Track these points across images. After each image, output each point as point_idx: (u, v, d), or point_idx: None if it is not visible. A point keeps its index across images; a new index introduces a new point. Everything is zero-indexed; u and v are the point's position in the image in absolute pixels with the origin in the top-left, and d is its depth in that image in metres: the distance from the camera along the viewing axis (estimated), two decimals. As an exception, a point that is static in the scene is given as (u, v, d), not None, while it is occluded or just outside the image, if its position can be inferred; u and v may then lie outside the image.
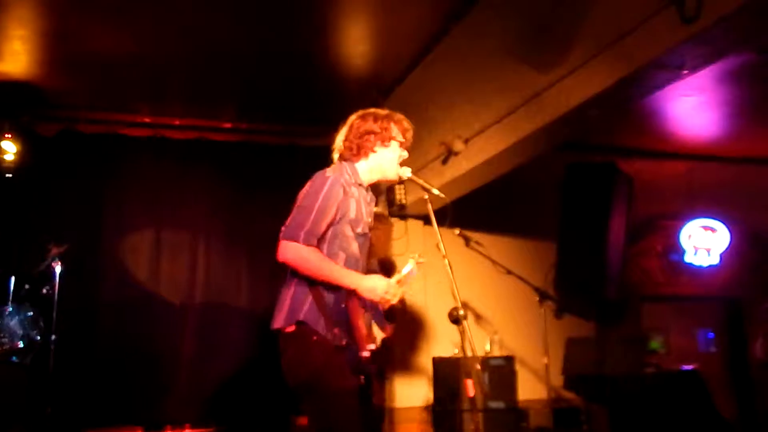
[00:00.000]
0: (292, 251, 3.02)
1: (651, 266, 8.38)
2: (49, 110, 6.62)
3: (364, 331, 3.12)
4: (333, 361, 3.00)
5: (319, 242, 3.13)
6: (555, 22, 4.42)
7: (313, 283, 3.07)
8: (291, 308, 3.10)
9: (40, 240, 5.72)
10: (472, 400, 3.34)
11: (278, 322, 3.12)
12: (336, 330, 3.01)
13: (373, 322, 3.21)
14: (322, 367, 2.99)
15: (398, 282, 3.22)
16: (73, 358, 5.86)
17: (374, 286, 3.09)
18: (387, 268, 3.55)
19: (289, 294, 3.13)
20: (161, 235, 6.73)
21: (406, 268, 3.39)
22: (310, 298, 3.07)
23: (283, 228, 3.07)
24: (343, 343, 3.01)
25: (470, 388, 3.20)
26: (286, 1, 4.97)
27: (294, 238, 3.02)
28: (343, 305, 3.05)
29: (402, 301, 3.58)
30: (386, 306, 3.20)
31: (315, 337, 3.01)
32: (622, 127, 7.10)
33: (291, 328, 3.08)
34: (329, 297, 3.07)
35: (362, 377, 3.12)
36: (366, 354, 3.07)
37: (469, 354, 3.22)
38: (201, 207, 6.85)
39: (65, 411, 5.64)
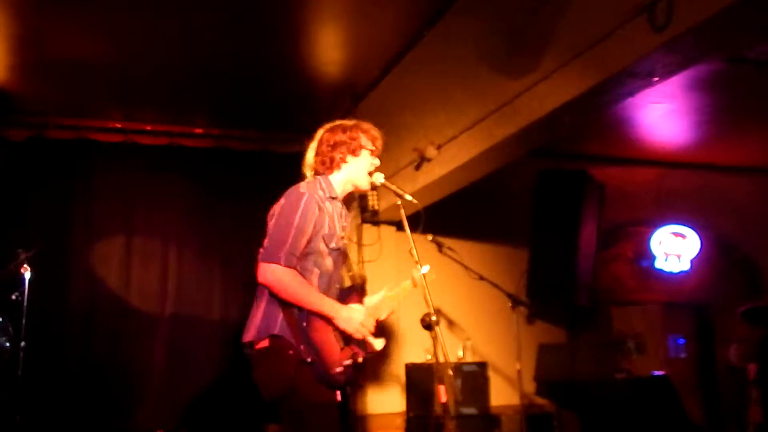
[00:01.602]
0: (272, 274, 3.00)
1: (622, 272, 8.43)
2: (17, 116, 6.52)
3: (335, 347, 3.09)
4: (306, 374, 2.97)
5: (297, 263, 3.10)
6: (528, 29, 4.44)
7: (283, 301, 3.05)
8: (263, 322, 3.07)
9: (9, 246, 5.60)
10: (445, 405, 3.29)
11: (250, 335, 3.09)
12: (302, 347, 2.98)
13: (351, 339, 3.18)
14: (298, 382, 2.96)
15: (375, 306, 3.30)
16: (42, 365, 5.78)
17: (350, 317, 3.10)
18: (358, 288, 3.53)
19: (261, 307, 3.11)
20: (132, 242, 6.66)
21: (378, 295, 3.46)
22: (281, 314, 3.04)
23: (261, 249, 3.05)
24: (309, 359, 2.97)
25: (443, 394, 3.17)
26: (260, 7, 4.93)
27: (274, 260, 3.00)
28: (305, 324, 3.00)
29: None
30: (360, 337, 3.17)
31: (291, 351, 2.97)
32: (594, 135, 7.17)
33: (264, 343, 3.05)
34: (297, 313, 3.03)
35: (338, 393, 3.11)
36: (338, 370, 3.04)
37: (442, 360, 3.21)
38: (173, 214, 6.79)
39: (35, 419, 5.55)
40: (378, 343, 3.26)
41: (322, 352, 3.02)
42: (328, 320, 3.07)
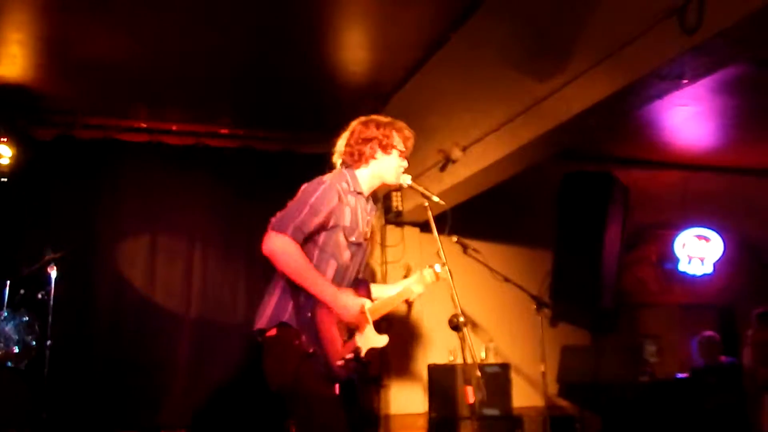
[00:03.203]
0: (279, 243, 3.00)
1: (645, 275, 8.39)
2: (45, 115, 6.60)
3: (337, 340, 3.09)
4: (308, 365, 2.98)
5: (312, 248, 3.14)
6: (555, 31, 4.43)
7: (296, 289, 3.06)
8: (274, 310, 3.10)
9: (35, 245, 5.68)
10: (472, 407, 3.28)
11: (262, 322, 3.12)
12: (304, 337, 2.99)
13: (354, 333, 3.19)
14: (301, 372, 2.97)
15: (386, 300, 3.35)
16: (68, 363, 5.82)
17: (346, 306, 3.08)
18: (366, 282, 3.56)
19: (275, 296, 3.14)
20: (157, 242, 6.70)
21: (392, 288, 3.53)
22: (291, 303, 3.07)
23: (272, 219, 3.06)
24: (310, 350, 2.98)
25: (470, 395, 3.16)
26: (285, 7, 4.96)
27: (283, 230, 3.00)
28: (309, 314, 3.01)
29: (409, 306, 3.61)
30: (357, 326, 3.17)
31: (296, 341, 2.99)
32: (619, 137, 7.13)
33: (273, 331, 3.08)
34: (304, 304, 3.05)
35: (336, 386, 3.09)
36: (339, 363, 3.04)
37: (470, 361, 3.19)
38: (198, 213, 6.82)
39: (61, 416, 5.60)
40: (380, 340, 3.25)
41: (324, 344, 3.03)
42: (325, 304, 3.05)
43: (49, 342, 5.38)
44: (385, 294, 3.48)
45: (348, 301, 3.10)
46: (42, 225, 6.30)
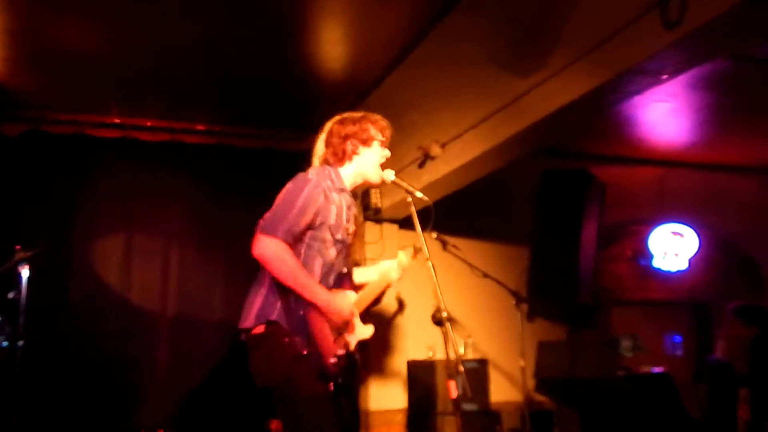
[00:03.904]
0: (270, 247, 3.00)
1: (621, 271, 8.47)
2: (12, 110, 6.47)
3: (330, 337, 3.11)
4: (301, 366, 2.99)
5: (298, 246, 3.15)
6: (535, 26, 4.44)
7: (284, 288, 3.06)
8: (261, 309, 3.10)
9: (5, 244, 5.56)
10: (455, 401, 3.30)
11: (248, 321, 3.12)
12: (297, 338, 3.00)
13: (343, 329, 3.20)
14: (292, 371, 2.99)
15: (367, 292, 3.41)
16: (42, 365, 5.76)
17: (339, 310, 3.13)
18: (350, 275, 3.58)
19: (261, 294, 3.14)
20: (133, 240, 6.61)
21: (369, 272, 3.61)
22: (279, 303, 3.07)
23: (260, 221, 3.07)
24: (304, 351, 3.00)
25: (453, 389, 3.19)
26: (262, 4, 4.92)
27: (273, 233, 3.01)
28: (301, 313, 3.03)
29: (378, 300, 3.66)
30: (347, 327, 3.21)
31: (286, 339, 3.00)
32: (596, 134, 7.19)
33: (260, 329, 3.08)
34: (295, 304, 3.06)
35: (330, 384, 3.12)
36: (332, 360, 3.07)
37: (452, 356, 3.22)
38: (174, 211, 6.76)
39: (33, 419, 5.53)
40: (366, 331, 3.31)
41: (317, 343, 3.05)
42: (314, 305, 3.07)
43: (20, 343, 5.27)
44: (366, 277, 3.56)
45: (341, 305, 3.14)
46: (12, 223, 6.18)
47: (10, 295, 5.37)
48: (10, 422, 5.04)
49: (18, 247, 5.40)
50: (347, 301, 3.20)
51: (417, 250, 3.55)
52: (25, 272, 5.38)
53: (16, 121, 6.50)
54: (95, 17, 5.11)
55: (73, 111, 6.64)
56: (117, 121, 6.75)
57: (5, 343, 5.19)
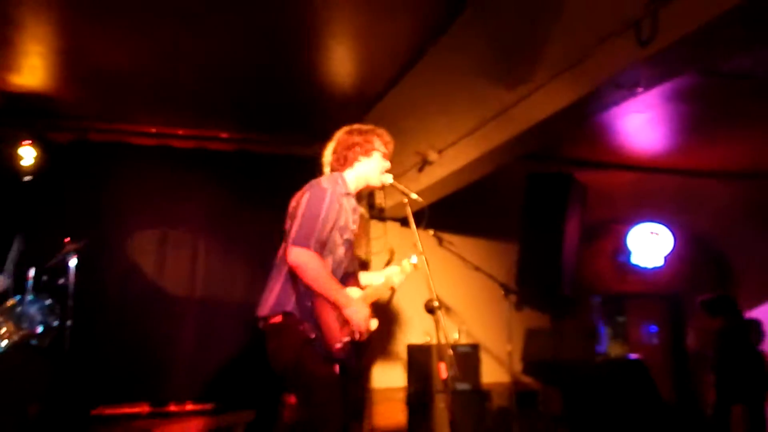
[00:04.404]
0: (304, 257, 3.02)
1: (601, 266, 8.36)
2: (63, 120, 6.48)
3: (336, 326, 3.09)
4: (310, 350, 2.99)
5: (320, 249, 3.14)
6: (523, 43, 4.37)
7: (297, 280, 3.06)
8: (279, 299, 3.08)
9: (56, 237, 5.61)
10: (445, 381, 3.29)
11: (264, 309, 3.12)
12: (307, 324, 3.00)
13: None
14: (302, 354, 2.99)
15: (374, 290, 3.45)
16: (86, 342, 5.74)
17: (358, 312, 3.12)
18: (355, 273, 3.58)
19: (277, 286, 3.12)
20: (165, 234, 6.62)
21: (377, 276, 3.61)
22: (294, 294, 3.06)
23: (292, 234, 3.07)
24: (312, 336, 2.98)
25: (443, 370, 3.19)
26: (280, 24, 4.88)
27: (305, 245, 3.03)
28: (309, 303, 3.03)
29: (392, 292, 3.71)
30: (360, 330, 3.19)
31: (300, 327, 2.99)
32: (579, 141, 7.12)
33: (277, 319, 3.06)
34: (305, 295, 3.05)
35: (336, 366, 3.11)
36: (338, 346, 3.05)
37: (443, 341, 3.21)
38: (201, 209, 6.74)
39: (79, 390, 5.54)
40: (372, 324, 3.29)
41: (324, 329, 3.04)
42: (336, 306, 3.09)
43: (69, 323, 5.34)
44: (372, 281, 3.55)
45: (359, 307, 3.14)
46: (61, 219, 6.20)
47: (60, 282, 5.47)
48: (60, 391, 5.06)
49: (67, 240, 5.52)
50: (364, 308, 3.19)
51: (416, 266, 3.59)
52: (72, 262, 5.50)
53: (65, 130, 6.50)
54: (133, 39, 5.13)
55: (114, 121, 6.63)
56: (152, 130, 6.75)
57: (56, 323, 5.26)
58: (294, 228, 3.08)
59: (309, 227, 3.06)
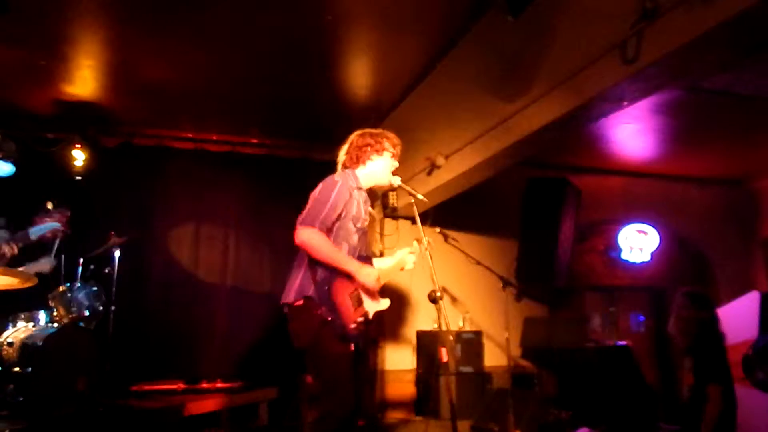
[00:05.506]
0: (308, 235, 3.04)
1: (594, 261, 8.32)
2: (110, 126, 6.55)
3: (350, 308, 3.10)
4: (327, 330, 3.01)
5: (327, 234, 3.14)
6: (520, 61, 4.39)
7: (316, 270, 3.08)
8: (300, 286, 3.11)
9: (103, 231, 5.66)
10: (445, 365, 3.30)
11: (289, 297, 3.14)
12: (324, 307, 3.01)
13: (364, 298, 3.18)
14: (320, 334, 3.01)
15: (387, 270, 3.37)
16: (128, 325, 5.80)
17: (369, 273, 3.12)
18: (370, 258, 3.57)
19: (300, 274, 3.15)
20: (200, 229, 6.70)
21: (388, 260, 3.57)
22: (314, 282, 3.08)
23: (300, 216, 3.10)
24: (329, 318, 3.00)
25: (444, 355, 3.23)
26: (304, 41, 4.93)
27: (311, 225, 3.05)
28: (326, 288, 3.04)
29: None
30: (375, 289, 3.20)
31: (319, 311, 3.01)
32: (573, 148, 7.12)
33: (299, 302, 3.09)
34: (322, 281, 3.06)
35: (351, 345, 3.13)
36: (352, 326, 3.06)
37: (444, 328, 3.23)
38: (233, 207, 6.80)
39: (121, 367, 5.57)
40: (384, 304, 3.29)
41: (339, 311, 3.05)
42: (350, 277, 3.09)
43: (113, 308, 5.41)
44: (385, 265, 3.54)
45: (368, 270, 3.14)
46: (108, 215, 6.28)
47: (106, 271, 5.54)
48: (104, 369, 5.12)
49: (112, 233, 5.57)
50: (372, 269, 3.19)
51: (421, 243, 3.53)
52: (117, 253, 5.56)
53: (112, 135, 6.58)
54: (178, 54, 5.19)
55: (156, 127, 6.69)
56: (190, 135, 6.80)
57: (101, 308, 5.30)
58: (303, 211, 3.12)
59: (317, 210, 3.09)
